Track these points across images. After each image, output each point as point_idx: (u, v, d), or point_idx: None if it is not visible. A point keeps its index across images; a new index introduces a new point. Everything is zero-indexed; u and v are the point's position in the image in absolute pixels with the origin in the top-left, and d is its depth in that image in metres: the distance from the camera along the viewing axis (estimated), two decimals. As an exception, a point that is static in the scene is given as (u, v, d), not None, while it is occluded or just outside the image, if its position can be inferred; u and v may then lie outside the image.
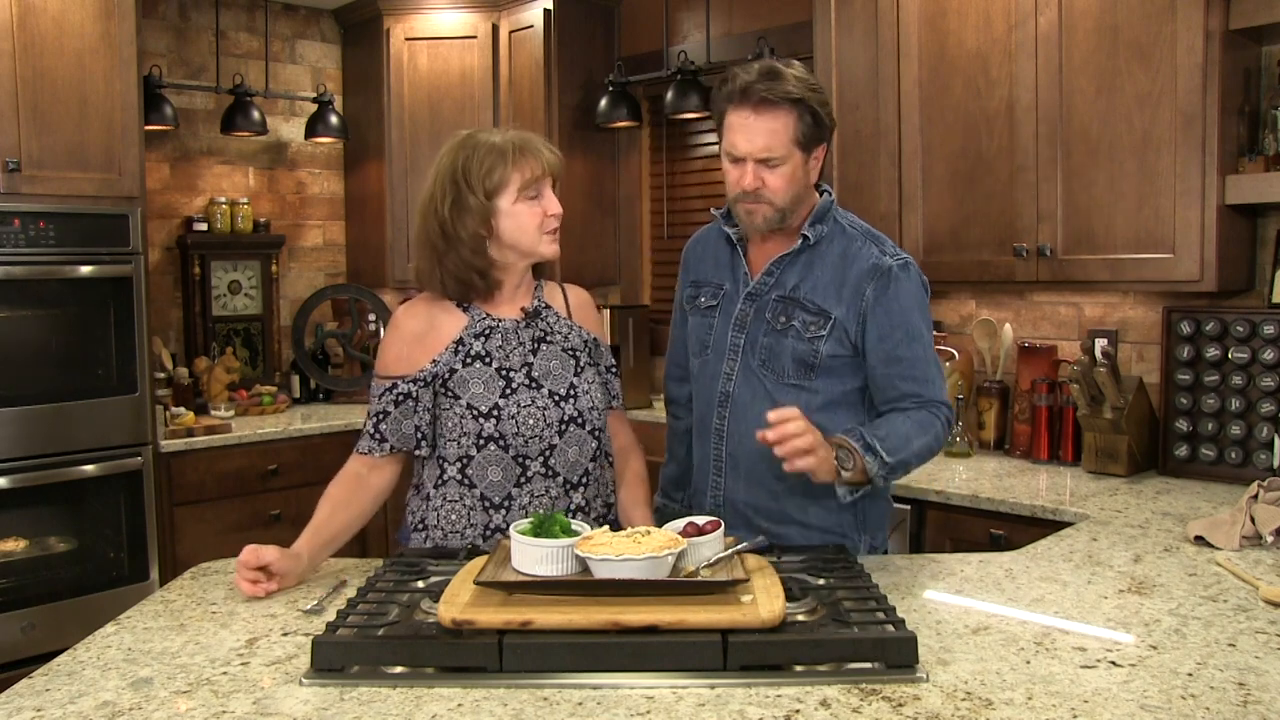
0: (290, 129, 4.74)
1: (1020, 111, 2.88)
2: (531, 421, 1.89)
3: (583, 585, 1.48)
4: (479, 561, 1.59)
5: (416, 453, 1.94)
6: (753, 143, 1.90)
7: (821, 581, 1.62)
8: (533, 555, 1.51)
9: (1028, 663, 1.42)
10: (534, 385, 1.92)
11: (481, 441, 1.90)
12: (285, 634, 1.56)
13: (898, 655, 1.36)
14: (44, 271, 3.34)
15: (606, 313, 4.12)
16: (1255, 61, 2.72)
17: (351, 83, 4.83)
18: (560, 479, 1.93)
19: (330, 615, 1.54)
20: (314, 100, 4.61)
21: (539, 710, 1.27)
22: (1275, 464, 2.62)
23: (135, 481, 3.53)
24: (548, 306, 2.02)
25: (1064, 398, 2.99)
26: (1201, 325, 2.75)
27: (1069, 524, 2.36)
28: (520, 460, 1.90)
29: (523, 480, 1.91)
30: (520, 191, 1.89)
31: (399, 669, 1.38)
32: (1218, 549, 2.03)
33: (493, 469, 1.90)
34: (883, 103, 3.18)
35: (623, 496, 2.08)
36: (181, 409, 3.86)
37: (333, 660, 1.38)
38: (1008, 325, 3.25)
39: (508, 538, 1.59)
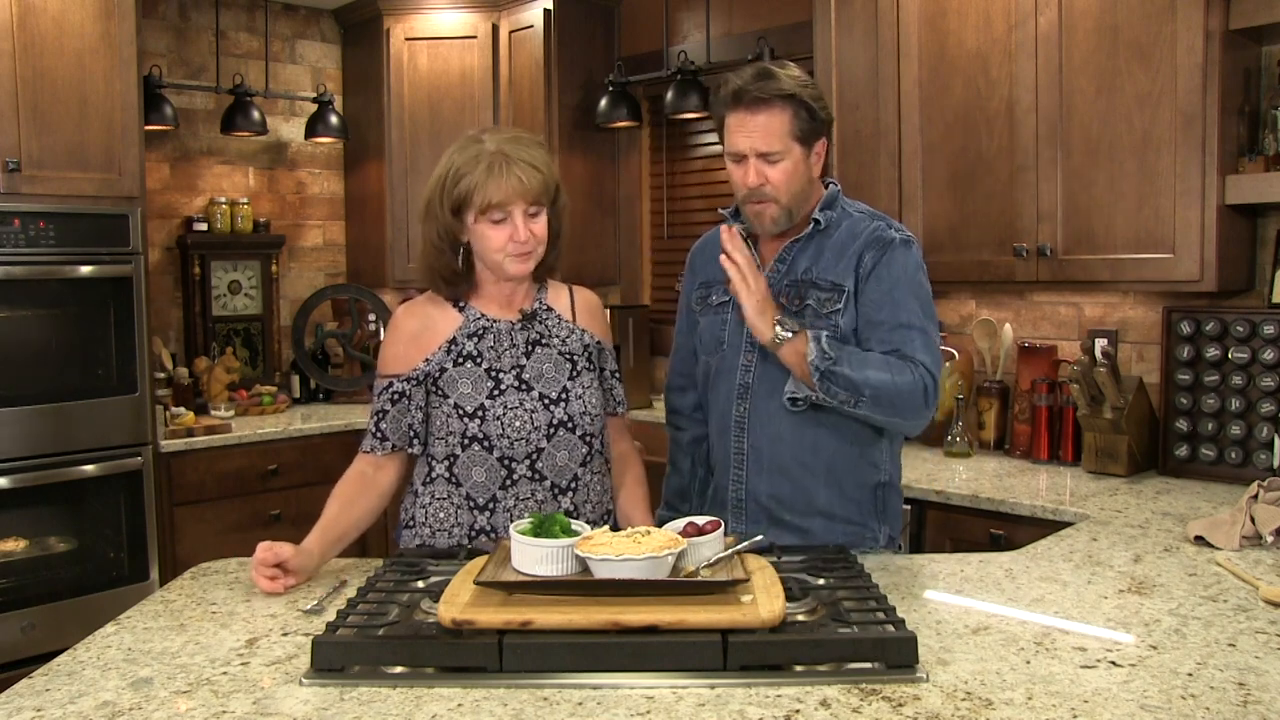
0: (290, 129, 4.74)
1: (1020, 111, 2.88)
2: (518, 424, 1.89)
3: (583, 585, 1.48)
4: (479, 561, 1.59)
5: (409, 450, 1.96)
6: (751, 139, 1.93)
7: (821, 581, 1.62)
8: (533, 555, 1.51)
9: (1028, 663, 1.42)
10: (524, 387, 1.92)
11: (466, 441, 1.90)
12: (285, 634, 1.56)
13: (898, 655, 1.36)
14: (44, 271, 3.34)
15: (606, 313, 4.12)
16: (1255, 61, 2.72)
17: (351, 83, 4.83)
18: (548, 483, 1.92)
19: (330, 615, 1.54)
20: (314, 100, 4.62)
21: (539, 710, 1.27)
22: (1275, 464, 2.62)
23: (135, 481, 3.53)
24: (549, 309, 2.02)
25: (1064, 398, 2.99)
26: (1201, 325, 2.75)
27: (1069, 524, 2.36)
28: (505, 462, 1.90)
29: (509, 483, 1.91)
30: (480, 213, 1.86)
31: (399, 669, 1.38)
32: (1218, 549, 2.03)
33: (476, 469, 1.91)
34: (883, 103, 3.18)
35: (622, 499, 2.08)
36: (181, 409, 3.86)
37: (333, 660, 1.38)
38: (1008, 325, 3.25)
39: (507, 538, 1.59)
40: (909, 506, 2.75)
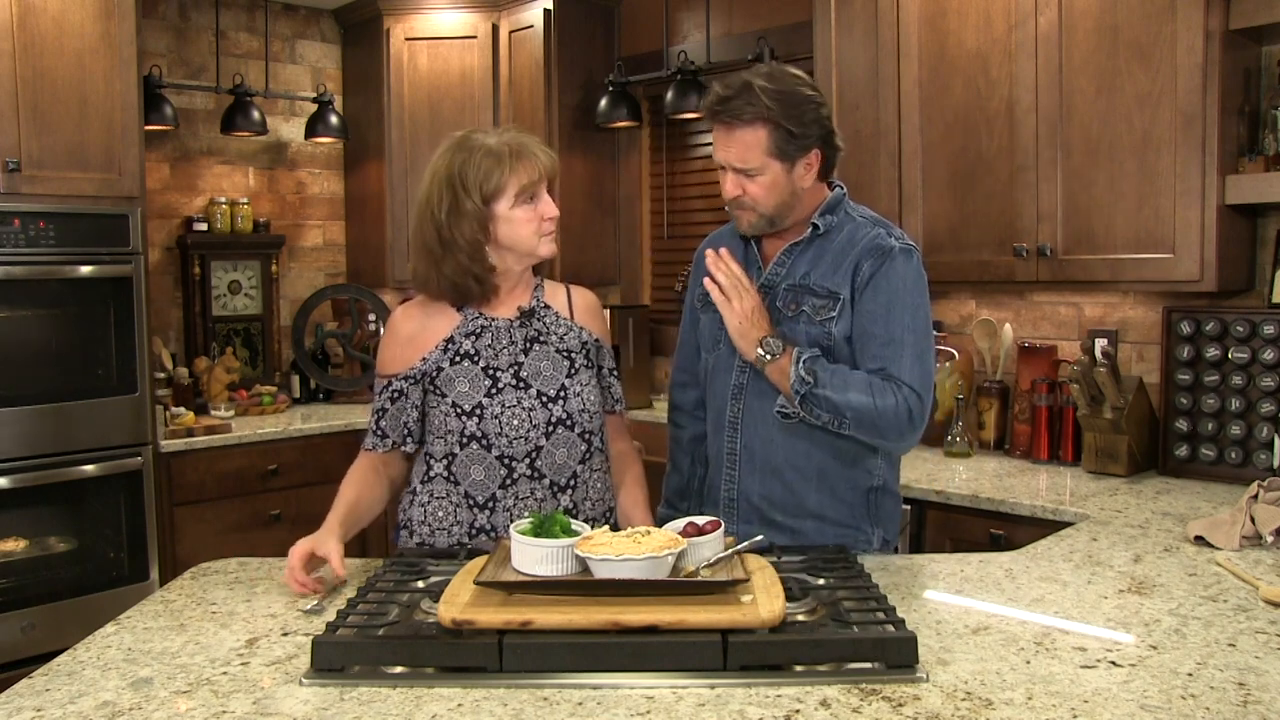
0: (290, 129, 4.74)
1: (1020, 111, 2.88)
2: (516, 422, 1.90)
3: (583, 585, 1.48)
4: (479, 561, 1.59)
5: (404, 448, 1.97)
6: (728, 155, 1.94)
7: (821, 581, 1.62)
8: (533, 555, 1.51)
9: (1028, 663, 1.42)
10: (521, 386, 1.92)
11: (464, 440, 1.90)
12: (285, 634, 1.56)
13: (898, 655, 1.36)
14: (44, 271, 3.34)
15: (606, 313, 4.12)
16: (1255, 61, 2.72)
17: (351, 83, 4.83)
18: (547, 481, 1.93)
19: (330, 615, 1.54)
20: (314, 100, 4.62)
21: (539, 710, 1.27)
22: (1275, 464, 2.62)
23: (135, 481, 3.53)
24: (546, 307, 2.02)
25: (1064, 398, 2.99)
26: (1201, 325, 2.75)
27: (1069, 524, 2.36)
28: (505, 461, 1.90)
29: (508, 482, 1.91)
30: (517, 196, 1.89)
31: (399, 669, 1.38)
32: (1218, 549, 2.03)
33: (475, 467, 1.91)
34: (883, 103, 3.18)
35: (622, 499, 2.08)
36: (181, 409, 3.86)
37: (333, 660, 1.38)
38: (1008, 325, 3.25)
39: (507, 537, 1.59)
40: (909, 506, 2.75)
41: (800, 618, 1.46)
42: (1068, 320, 3.18)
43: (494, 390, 1.91)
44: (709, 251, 1.97)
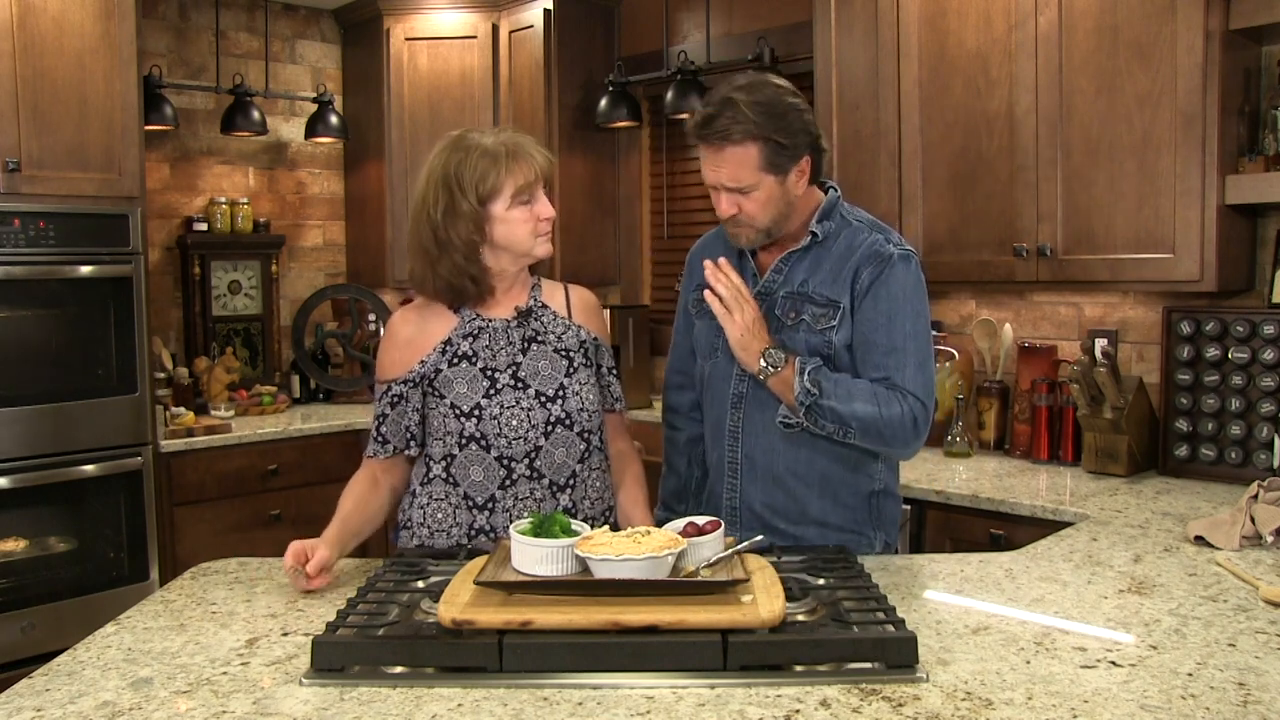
0: (290, 129, 4.74)
1: (1020, 111, 2.88)
2: (515, 423, 1.90)
3: (583, 585, 1.48)
4: (479, 561, 1.59)
5: (407, 453, 1.96)
6: (719, 175, 1.90)
7: (821, 581, 1.62)
8: (533, 555, 1.51)
9: (1028, 663, 1.42)
10: (520, 386, 1.92)
11: (463, 441, 1.90)
12: (285, 634, 1.56)
13: (898, 655, 1.36)
14: (44, 271, 3.34)
15: (606, 313, 4.12)
16: (1255, 61, 2.72)
17: (351, 83, 4.83)
18: (546, 481, 1.92)
19: (330, 615, 1.54)
20: (314, 100, 4.61)
21: (539, 710, 1.27)
22: (1275, 464, 2.62)
23: (135, 481, 3.53)
24: (544, 306, 2.01)
25: (1064, 398, 2.99)
26: (1201, 325, 2.75)
27: (1069, 524, 2.36)
28: (504, 461, 1.90)
29: (508, 482, 1.91)
30: (514, 197, 1.88)
31: (399, 669, 1.38)
32: (1218, 549, 2.03)
33: (474, 468, 1.91)
34: (883, 103, 3.18)
35: (622, 498, 2.08)
36: (181, 409, 3.86)
37: (333, 660, 1.38)
38: (1008, 325, 3.25)
39: (507, 538, 1.59)
40: (908, 506, 2.75)
41: (800, 618, 1.46)
42: (1068, 320, 3.18)
43: (492, 391, 1.91)
44: (708, 262, 1.95)
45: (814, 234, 1.97)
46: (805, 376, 1.85)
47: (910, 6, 3.09)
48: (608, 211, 4.50)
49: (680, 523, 1.63)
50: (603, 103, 4.22)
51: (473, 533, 1.92)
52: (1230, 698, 1.30)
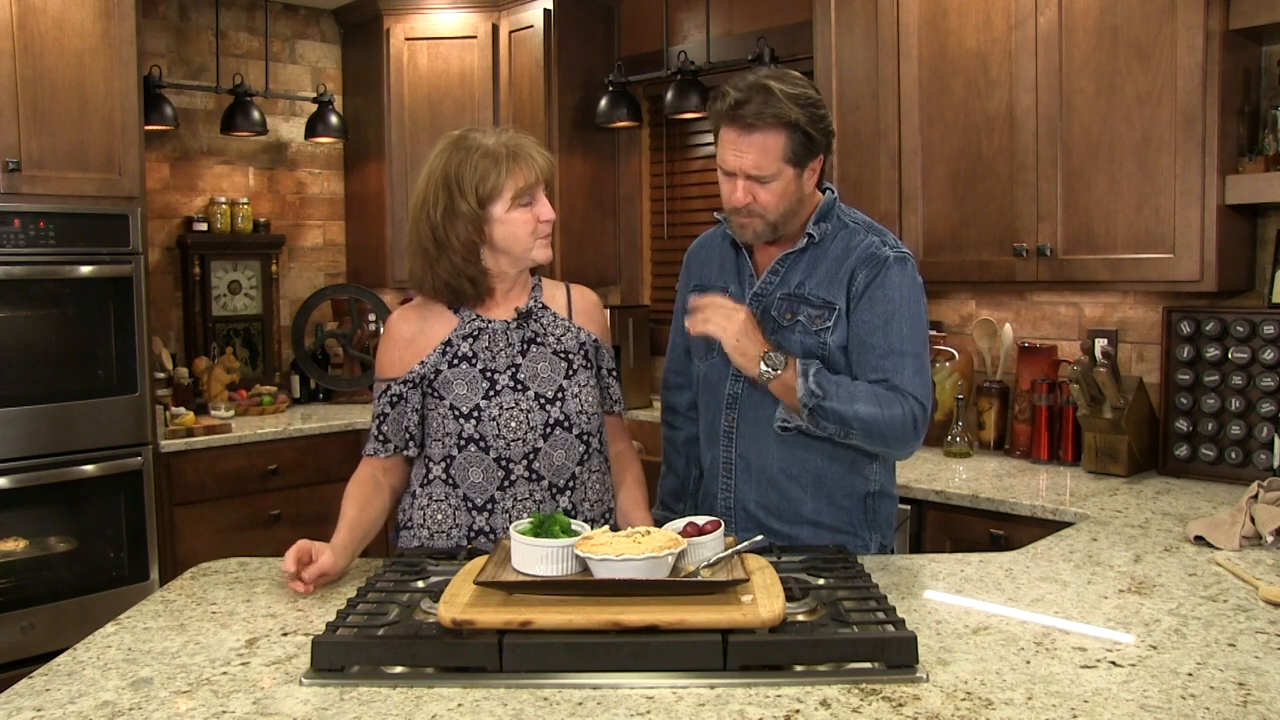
0: (290, 129, 4.74)
1: (1020, 111, 2.88)
2: (514, 424, 1.89)
3: (583, 585, 1.48)
4: (479, 561, 1.59)
5: (406, 453, 1.96)
6: (741, 160, 1.88)
7: (821, 581, 1.62)
8: (533, 555, 1.51)
9: (1028, 663, 1.42)
10: (519, 388, 1.92)
11: (462, 442, 1.90)
12: (285, 634, 1.56)
13: (898, 655, 1.36)
14: (44, 271, 3.34)
15: (606, 312, 4.12)
16: (1255, 61, 2.72)
17: (351, 83, 4.83)
18: (545, 482, 1.92)
19: (330, 615, 1.54)
20: (314, 100, 4.62)
21: (539, 710, 1.27)
22: (1275, 464, 2.62)
23: (135, 481, 3.53)
24: (544, 307, 2.01)
25: (1064, 398, 2.99)
26: (1201, 325, 2.75)
27: (1069, 524, 2.36)
28: (503, 463, 1.90)
29: (506, 484, 1.91)
30: (514, 199, 1.88)
31: (399, 669, 1.38)
32: (1218, 549, 2.03)
33: (473, 470, 1.90)
34: (883, 103, 3.18)
35: (621, 499, 2.07)
36: (181, 409, 3.85)
37: (333, 660, 1.38)
38: (1008, 325, 3.25)
39: (507, 538, 1.59)
40: (908, 507, 2.75)
41: (800, 618, 1.46)
42: (1068, 320, 3.18)
43: (492, 392, 1.91)
44: (692, 298, 1.94)
45: (811, 236, 1.97)
46: (810, 379, 1.84)
47: (910, 6, 3.09)
48: (608, 211, 4.50)
49: (680, 523, 1.63)
50: (603, 103, 4.22)
51: (472, 534, 1.92)
52: (1230, 698, 1.30)
